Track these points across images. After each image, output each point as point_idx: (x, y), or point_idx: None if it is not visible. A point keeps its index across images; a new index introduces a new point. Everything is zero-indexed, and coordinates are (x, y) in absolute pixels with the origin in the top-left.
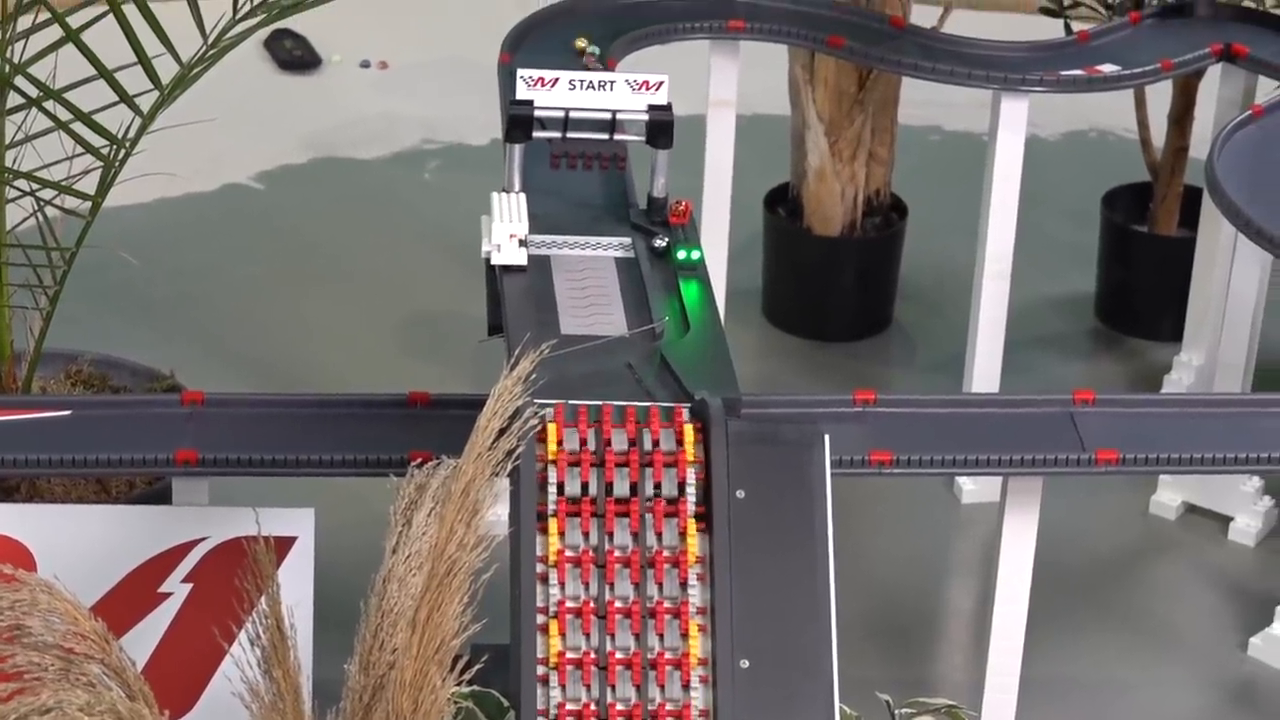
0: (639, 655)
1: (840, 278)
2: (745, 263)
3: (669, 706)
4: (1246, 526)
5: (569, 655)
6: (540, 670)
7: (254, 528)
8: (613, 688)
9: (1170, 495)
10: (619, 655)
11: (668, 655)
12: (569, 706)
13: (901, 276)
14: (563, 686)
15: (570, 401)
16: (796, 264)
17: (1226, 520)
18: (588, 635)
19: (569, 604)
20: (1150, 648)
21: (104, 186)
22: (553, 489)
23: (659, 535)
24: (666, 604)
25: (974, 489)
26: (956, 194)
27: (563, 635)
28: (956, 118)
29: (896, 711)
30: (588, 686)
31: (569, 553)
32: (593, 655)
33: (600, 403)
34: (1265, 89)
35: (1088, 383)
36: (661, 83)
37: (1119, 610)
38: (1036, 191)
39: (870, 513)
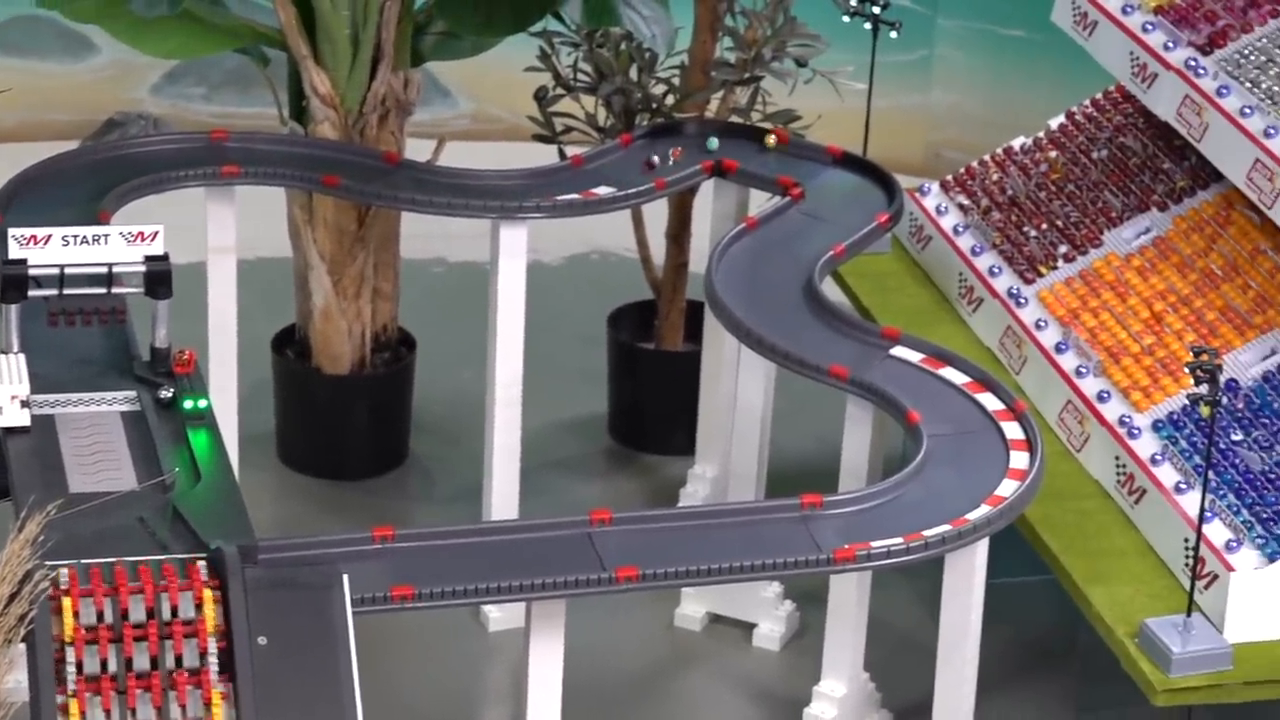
0: None
1: (353, 415)
2: (256, 407)
3: None
4: (770, 632)
5: None
6: None
7: None
8: None
9: (694, 607)
10: None
11: None
12: None
13: (415, 410)
14: None
15: (83, 561)
16: (308, 404)
17: (750, 627)
18: None
19: None
20: None
21: None
22: (71, 669)
23: (183, 708)
24: None
25: (500, 616)
26: (464, 324)
27: None
28: (459, 248)
29: None
30: None
31: None
32: None
33: (114, 560)
34: (758, 200)
35: (606, 502)
36: (157, 233)
37: None
38: (543, 316)
39: (398, 648)
